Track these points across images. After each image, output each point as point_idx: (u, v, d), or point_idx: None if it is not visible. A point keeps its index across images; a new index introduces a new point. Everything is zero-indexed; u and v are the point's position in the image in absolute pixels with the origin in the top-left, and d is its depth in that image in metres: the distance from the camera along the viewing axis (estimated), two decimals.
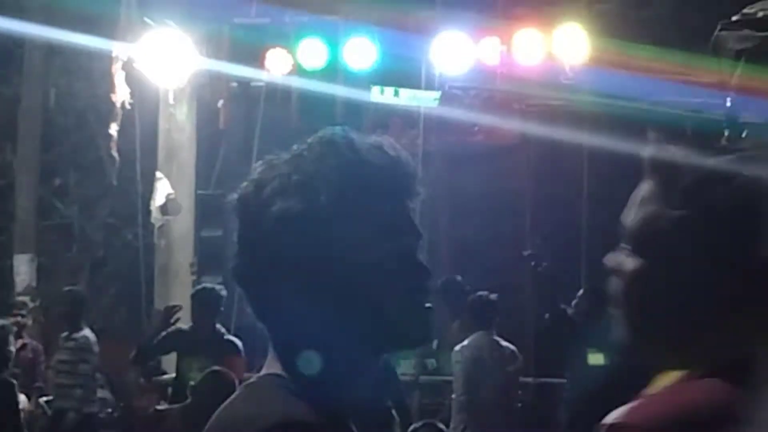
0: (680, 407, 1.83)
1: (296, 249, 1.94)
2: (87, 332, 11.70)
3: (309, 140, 2.03)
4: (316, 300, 1.94)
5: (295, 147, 2.03)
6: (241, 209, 2.01)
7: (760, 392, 1.79)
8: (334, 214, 1.94)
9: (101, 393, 12.95)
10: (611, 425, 1.82)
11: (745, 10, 6.25)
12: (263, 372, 2.04)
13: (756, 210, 1.89)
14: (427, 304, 2.01)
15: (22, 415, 10.27)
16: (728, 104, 6.29)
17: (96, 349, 11.71)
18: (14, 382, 9.84)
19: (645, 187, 2.02)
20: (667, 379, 1.99)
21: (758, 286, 1.86)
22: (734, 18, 6.27)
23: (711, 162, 1.95)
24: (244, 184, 2.02)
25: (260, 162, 2.04)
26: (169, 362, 10.82)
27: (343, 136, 2.01)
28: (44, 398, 12.81)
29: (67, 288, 12.95)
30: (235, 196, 2.03)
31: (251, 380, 2.06)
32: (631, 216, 2.02)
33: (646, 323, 1.96)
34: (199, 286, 10.55)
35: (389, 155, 2.01)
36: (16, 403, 9.76)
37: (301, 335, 1.98)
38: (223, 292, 9.65)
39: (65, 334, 11.73)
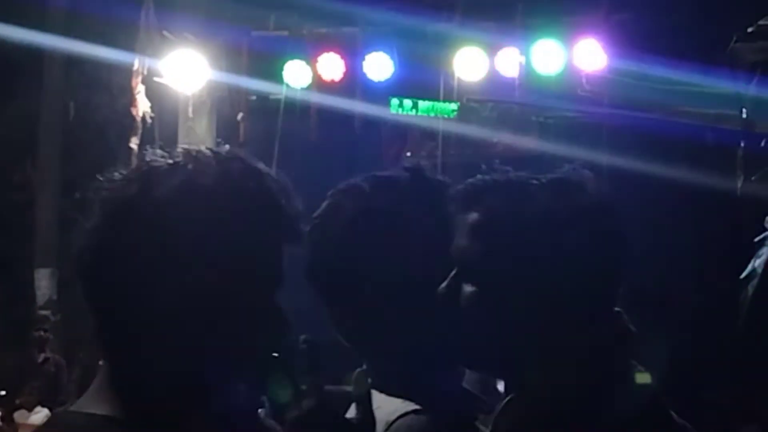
0: None
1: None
2: None
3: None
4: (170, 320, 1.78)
5: None
6: None
7: None
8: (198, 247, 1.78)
9: None
10: None
11: (761, 22, 6.27)
12: (80, 407, 1.78)
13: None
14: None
15: None
16: (744, 115, 6.31)
17: None
18: None
19: (473, 217, 2.06)
20: None
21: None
22: (750, 29, 6.28)
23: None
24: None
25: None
26: None
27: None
28: None
29: None
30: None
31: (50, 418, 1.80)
32: (463, 245, 2.06)
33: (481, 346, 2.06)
34: None
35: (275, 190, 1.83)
36: None
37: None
38: None
39: None
